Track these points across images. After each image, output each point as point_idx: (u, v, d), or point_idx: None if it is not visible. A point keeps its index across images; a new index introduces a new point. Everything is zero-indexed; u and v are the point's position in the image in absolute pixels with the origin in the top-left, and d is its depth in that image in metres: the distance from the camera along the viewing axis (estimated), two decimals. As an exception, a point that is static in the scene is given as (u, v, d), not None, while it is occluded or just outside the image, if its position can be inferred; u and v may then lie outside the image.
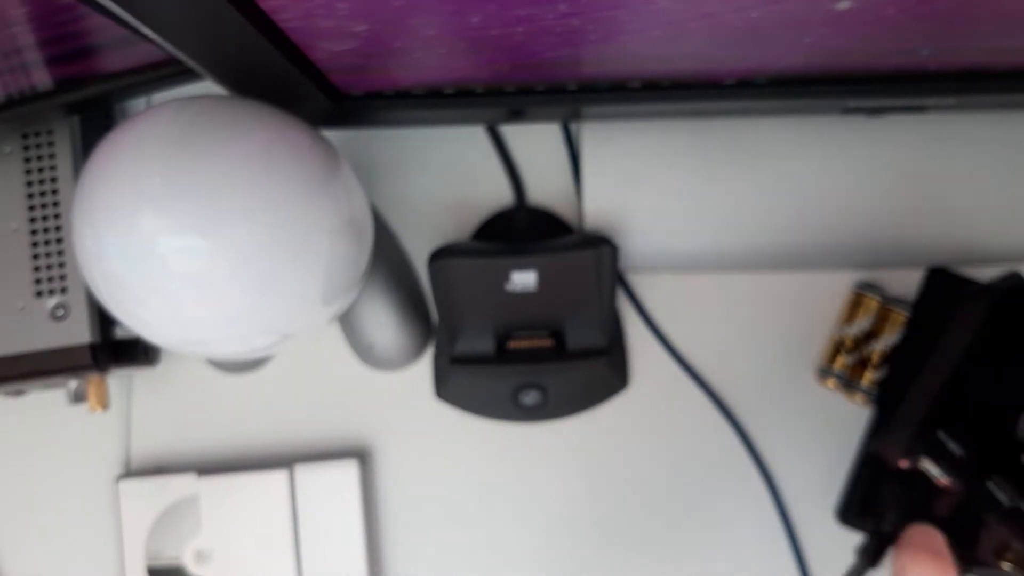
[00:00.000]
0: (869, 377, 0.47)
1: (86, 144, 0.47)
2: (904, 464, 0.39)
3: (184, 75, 0.46)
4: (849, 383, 0.48)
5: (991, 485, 0.37)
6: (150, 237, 0.33)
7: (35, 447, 0.51)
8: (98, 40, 0.41)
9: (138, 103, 0.50)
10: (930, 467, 0.38)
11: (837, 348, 0.48)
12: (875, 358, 0.47)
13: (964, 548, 0.38)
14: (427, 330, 0.49)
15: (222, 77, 0.36)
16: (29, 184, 0.46)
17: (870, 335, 0.47)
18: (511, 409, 0.48)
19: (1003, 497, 0.36)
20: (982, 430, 0.38)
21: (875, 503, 0.46)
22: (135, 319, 0.36)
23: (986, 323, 0.40)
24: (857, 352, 0.47)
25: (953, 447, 0.37)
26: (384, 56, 0.34)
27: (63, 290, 0.46)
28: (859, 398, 0.48)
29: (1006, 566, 0.38)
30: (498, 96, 0.40)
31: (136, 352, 0.48)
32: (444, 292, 0.45)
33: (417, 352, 0.49)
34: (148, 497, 0.48)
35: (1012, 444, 0.37)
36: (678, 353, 0.49)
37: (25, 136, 0.47)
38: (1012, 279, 0.40)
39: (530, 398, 0.48)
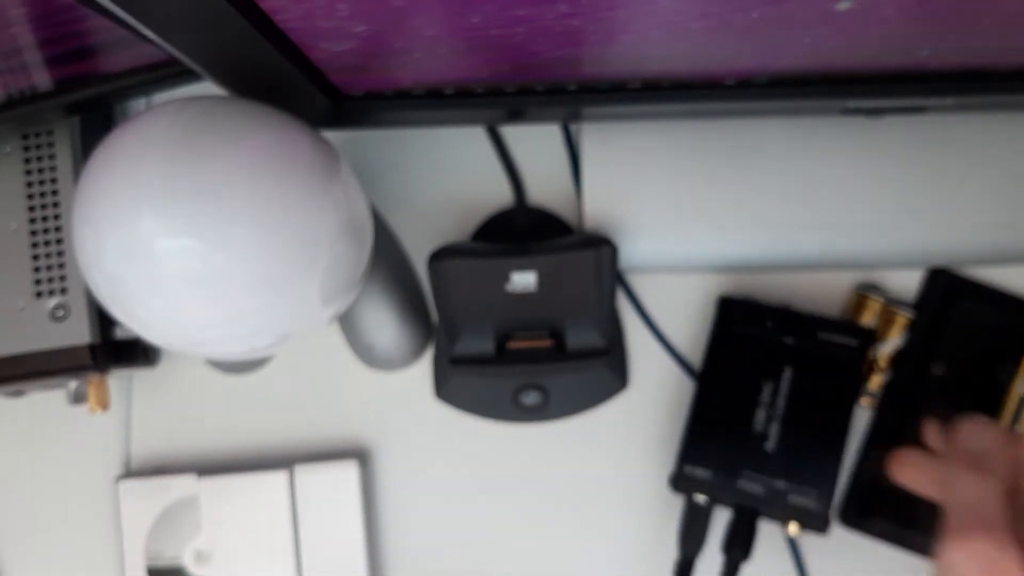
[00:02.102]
0: (876, 381, 0.47)
1: (86, 144, 0.47)
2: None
3: (184, 75, 0.46)
4: None
5: (742, 484, 0.44)
6: (150, 237, 0.33)
7: (35, 447, 0.51)
8: (98, 40, 0.41)
9: (138, 103, 0.50)
10: (700, 500, 0.45)
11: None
12: (881, 362, 0.47)
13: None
14: (427, 330, 0.49)
15: (222, 78, 0.36)
16: (29, 184, 0.46)
17: (875, 338, 0.47)
18: (511, 409, 0.48)
19: (755, 488, 0.44)
20: (727, 437, 0.45)
21: (876, 504, 0.46)
22: (135, 319, 0.36)
23: (714, 341, 0.47)
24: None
25: (701, 474, 0.45)
26: (384, 56, 0.35)
27: (63, 290, 0.46)
28: (866, 401, 0.47)
29: (792, 528, 0.44)
30: (498, 96, 0.40)
31: (136, 352, 0.48)
32: (444, 292, 0.45)
33: (417, 352, 0.49)
34: (148, 497, 0.48)
35: (752, 439, 0.45)
36: (678, 353, 0.49)
37: (25, 136, 0.47)
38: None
39: (530, 398, 0.48)
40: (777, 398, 0.45)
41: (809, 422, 0.45)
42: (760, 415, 0.45)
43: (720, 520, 0.45)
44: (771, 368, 0.45)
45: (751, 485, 0.44)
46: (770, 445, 0.44)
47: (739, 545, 0.44)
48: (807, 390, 0.45)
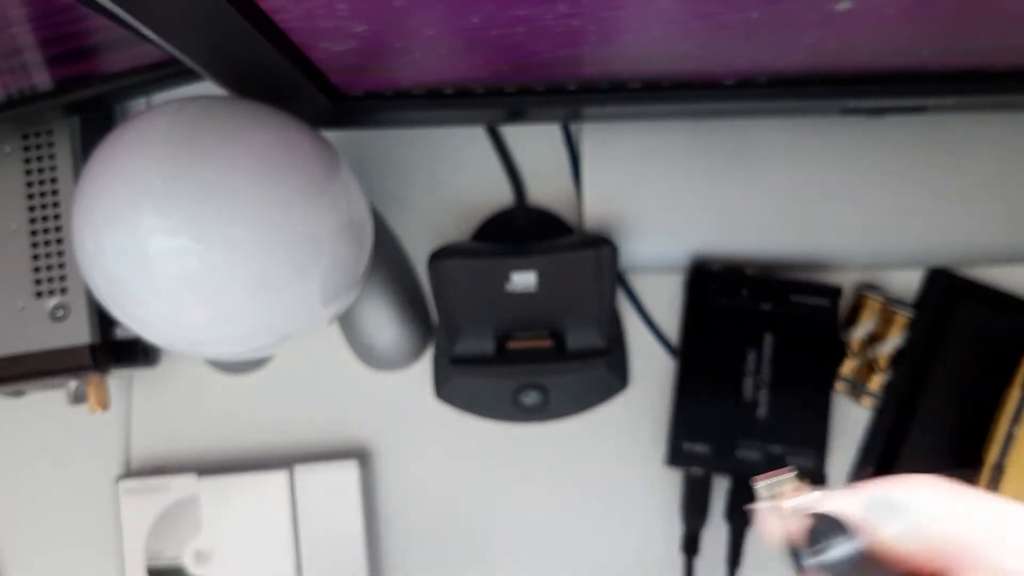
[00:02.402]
0: (877, 381, 0.47)
1: (86, 144, 0.47)
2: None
3: (184, 75, 0.46)
4: (856, 386, 0.47)
5: (740, 454, 0.45)
6: (149, 237, 0.33)
7: (35, 447, 0.51)
8: (98, 40, 0.41)
9: (138, 103, 0.50)
10: (697, 473, 0.46)
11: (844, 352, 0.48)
12: (881, 362, 0.47)
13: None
14: (427, 330, 0.49)
15: (222, 77, 0.36)
16: (29, 184, 0.46)
17: (875, 338, 0.47)
18: (511, 409, 0.48)
19: (753, 455, 0.45)
20: (720, 409, 0.46)
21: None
22: (135, 319, 0.36)
23: (688, 316, 0.47)
24: (863, 355, 0.47)
25: (700, 449, 0.45)
26: (384, 56, 0.35)
27: (63, 290, 0.46)
28: (866, 401, 0.47)
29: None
30: (498, 96, 0.40)
31: (136, 352, 0.48)
32: (444, 292, 0.45)
33: (417, 352, 0.49)
34: (148, 497, 0.48)
35: (744, 407, 0.46)
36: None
37: (25, 136, 0.47)
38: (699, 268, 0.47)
39: (530, 398, 0.48)
40: (762, 364, 0.46)
41: (796, 384, 0.46)
42: (748, 383, 0.46)
43: (720, 492, 0.46)
44: (752, 336, 0.46)
45: (749, 453, 0.45)
46: (761, 412, 0.45)
47: (742, 512, 0.45)
48: (789, 353, 0.46)
